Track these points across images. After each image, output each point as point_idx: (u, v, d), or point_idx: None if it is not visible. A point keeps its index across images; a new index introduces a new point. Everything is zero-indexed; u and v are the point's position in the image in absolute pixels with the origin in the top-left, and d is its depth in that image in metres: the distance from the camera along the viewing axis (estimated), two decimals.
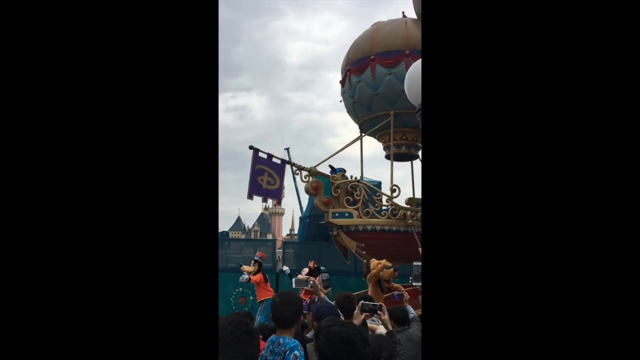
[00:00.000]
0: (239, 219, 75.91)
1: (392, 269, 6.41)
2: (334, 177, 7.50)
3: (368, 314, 3.08)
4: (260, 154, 7.29)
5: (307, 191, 7.46)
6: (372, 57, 7.70)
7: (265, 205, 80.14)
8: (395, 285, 7.06)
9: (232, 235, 56.20)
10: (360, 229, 7.36)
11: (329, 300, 3.77)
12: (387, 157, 8.38)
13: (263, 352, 2.64)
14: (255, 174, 7.20)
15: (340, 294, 3.72)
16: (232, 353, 1.48)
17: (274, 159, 7.36)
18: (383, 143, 8.34)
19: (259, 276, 8.01)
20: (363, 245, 7.28)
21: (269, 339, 2.68)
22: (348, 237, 7.38)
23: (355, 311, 3.16)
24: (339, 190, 7.47)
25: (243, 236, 63.05)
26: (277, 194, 7.27)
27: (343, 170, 7.93)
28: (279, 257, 8.89)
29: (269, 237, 58.25)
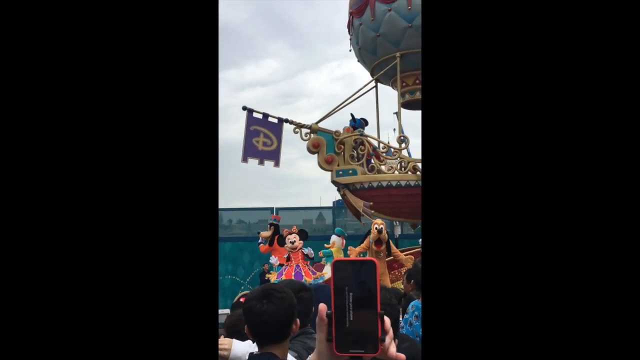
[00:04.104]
0: None
1: (377, 231, 5.79)
2: (337, 132, 6.92)
3: None
4: (255, 114, 6.91)
5: (308, 149, 6.97)
6: None
7: None
8: (395, 250, 6.42)
9: None
10: (366, 186, 6.75)
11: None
12: (404, 105, 7.56)
13: (407, 316, 2.74)
14: (249, 135, 6.86)
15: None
16: None
17: (269, 119, 6.96)
18: (399, 90, 7.52)
19: (266, 247, 7.85)
20: (371, 203, 6.68)
21: (413, 303, 2.75)
22: (354, 195, 6.82)
23: None
24: (342, 147, 6.88)
25: None
26: (274, 155, 6.87)
27: (364, 122, 7.28)
28: (395, 222, 8.53)
29: None
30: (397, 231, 9.09)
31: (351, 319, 0.79)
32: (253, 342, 1.94)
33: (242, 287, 9.97)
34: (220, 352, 2.04)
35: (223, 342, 2.12)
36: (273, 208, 11.18)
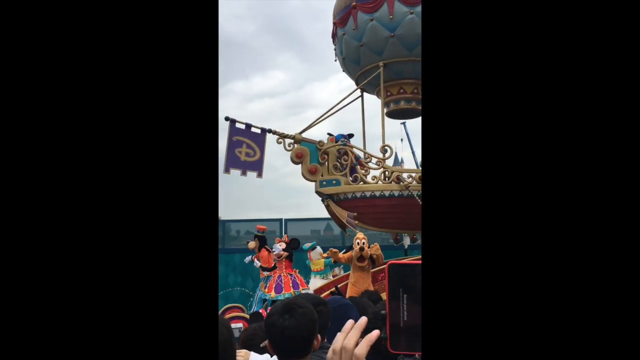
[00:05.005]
0: None
1: (358, 248, 5.70)
2: (321, 142, 6.85)
3: None
4: (238, 125, 6.85)
5: (291, 160, 6.91)
6: (353, 4, 6.86)
7: None
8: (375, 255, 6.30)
9: None
10: (350, 196, 6.67)
11: None
12: (388, 114, 7.50)
13: None
14: (232, 146, 6.81)
15: None
16: None
17: (252, 129, 6.91)
18: (382, 99, 7.46)
19: (263, 252, 7.71)
20: (355, 214, 6.59)
21: None
22: (338, 206, 6.73)
23: None
24: (326, 157, 6.82)
25: None
26: (257, 166, 6.80)
27: (345, 137, 7.14)
28: (405, 233, 8.25)
29: None
30: (407, 242, 8.81)
31: (405, 319, 0.84)
32: (271, 356, 1.94)
33: (252, 299, 9.90)
34: None
35: (240, 352, 2.08)
36: (282, 219, 11.09)
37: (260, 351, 2.09)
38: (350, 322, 0.87)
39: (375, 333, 0.83)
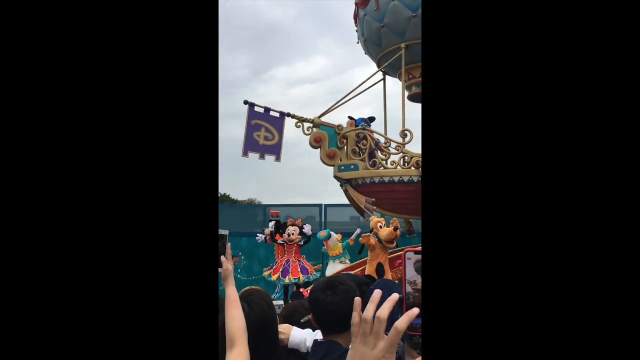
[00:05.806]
0: None
1: (390, 228, 5.62)
2: (340, 126, 6.75)
3: None
4: (257, 109, 6.81)
5: (310, 144, 6.83)
6: None
7: None
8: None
9: None
10: (368, 181, 6.57)
11: None
12: (410, 98, 7.31)
13: None
14: (251, 129, 6.77)
15: None
16: None
17: (271, 112, 6.86)
18: (403, 82, 7.26)
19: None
20: (373, 199, 6.50)
21: None
22: (356, 191, 6.65)
23: None
24: (344, 141, 6.72)
25: None
26: (275, 150, 6.76)
27: (365, 121, 6.97)
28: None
29: None
30: None
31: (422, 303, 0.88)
32: (313, 332, 2.08)
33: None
34: (280, 336, 2.14)
35: (282, 326, 2.19)
36: (321, 204, 11.03)
37: (301, 326, 2.18)
38: (377, 292, 0.89)
39: (416, 310, 0.85)
